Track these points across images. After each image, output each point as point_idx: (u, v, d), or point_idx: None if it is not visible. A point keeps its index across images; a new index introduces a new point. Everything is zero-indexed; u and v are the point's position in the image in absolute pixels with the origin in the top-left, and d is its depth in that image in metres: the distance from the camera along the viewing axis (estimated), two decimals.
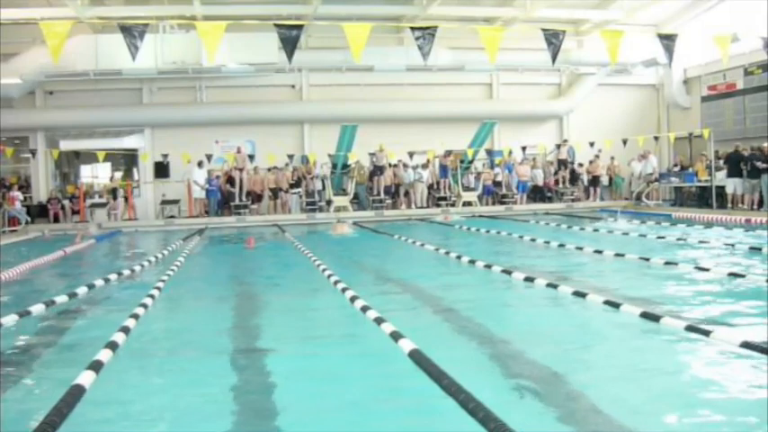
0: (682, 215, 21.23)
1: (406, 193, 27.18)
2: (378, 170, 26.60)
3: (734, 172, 21.97)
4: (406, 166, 27.23)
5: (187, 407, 4.98)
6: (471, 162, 27.62)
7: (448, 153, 27.33)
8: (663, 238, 14.97)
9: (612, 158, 28.90)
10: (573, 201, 27.54)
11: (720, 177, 23.00)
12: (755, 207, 21.12)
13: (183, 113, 27.71)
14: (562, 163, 28.66)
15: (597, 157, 28.59)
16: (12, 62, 23.99)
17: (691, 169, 25.25)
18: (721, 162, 23.45)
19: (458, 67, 28.19)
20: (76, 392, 4.76)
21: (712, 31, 18.74)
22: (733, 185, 22.07)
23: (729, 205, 22.08)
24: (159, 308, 8.65)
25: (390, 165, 27.13)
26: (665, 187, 26.68)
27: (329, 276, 10.33)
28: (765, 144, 21.82)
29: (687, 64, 28.96)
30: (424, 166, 27.41)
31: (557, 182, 28.43)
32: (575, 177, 28.54)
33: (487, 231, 18.42)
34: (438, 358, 5.24)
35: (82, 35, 23.34)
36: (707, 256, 11.87)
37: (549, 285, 9.00)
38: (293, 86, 28.77)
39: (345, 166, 26.19)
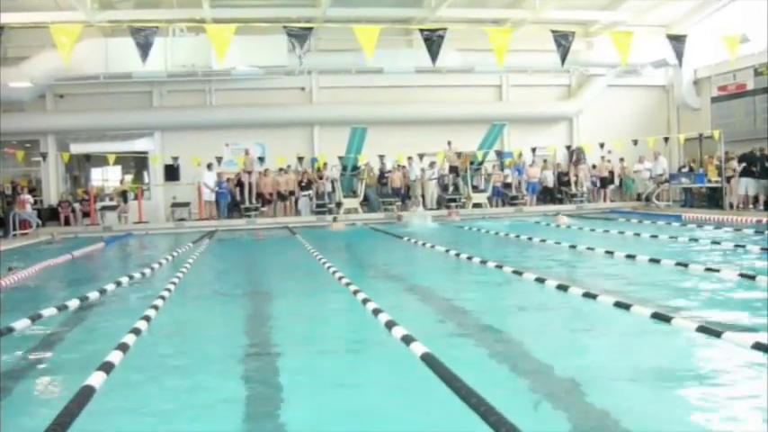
0: (692, 216, 21.14)
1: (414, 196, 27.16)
2: (385, 175, 26.81)
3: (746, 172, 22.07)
4: (410, 158, 27.15)
5: (196, 408, 4.99)
6: (481, 164, 27.56)
7: (458, 155, 27.32)
8: (674, 239, 14.91)
9: (622, 160, 28.84)
10: (582, 202, 27.48)
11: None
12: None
13: (193, 116, 27.81)
14: (574, 164, 28.65)
15: (603, 158, 28.55)
16: (22, 66, 24.08)
17: (701, 170, 25.19)
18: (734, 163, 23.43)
19: (467, 68, 28.19)
20: (87, 393, 4.77)
21: (722, 32, 18.67)
22: (745, 186, 22.07)
23: (742, 205, 22.06)
24: (170, 310, 8.65)
25: (400, 166, 27.17)
26: (675, 188, 26.57)
27: (340, 279, 10.34)
28: None
29: (697, 65, 28.82)
30: (433, 164, 27.40)
31: (568, 183, 28.35)
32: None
33: (496, 233, 18.41)
34: (449, 361, 5.24)
35: (92, 39, 23.45)
36: (717, 258, 11.83)
37: (559, 287, 8.98)
38: (303, 89, 28.84)
39: (355, 168, 26.19)
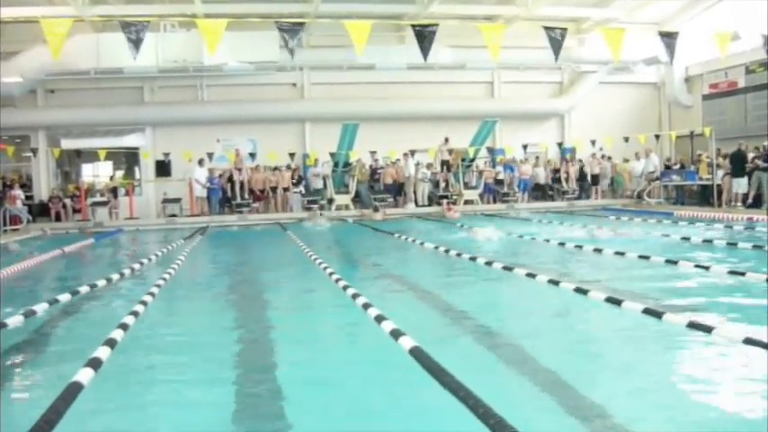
0: (683, 213, 21.19)
1: (405, 193, 27.19)
2: (377, 172, 26.88)
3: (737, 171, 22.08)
4: (406, 155, 27.20)
5: (185, 405, 4.99)
6: (473, 160, 27.57)
7: (450, 151, 27.32)
8: (667, 236, 14.92)
9: (611, 158, 28.85)
10: (574, 199, 27.51)
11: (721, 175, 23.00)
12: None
13: (185, 112, 27.74)
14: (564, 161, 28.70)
15: (594, 155, 28.57)
16: (13, 61, 24.01)
17: (692, 167, 25.25)
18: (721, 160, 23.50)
19: (459, 65, 28.22)
20: (74, 390, 4.74)
21: (713, 30, 18.70)
22: (736, 184, 22.12)
23: (734, 203, 22.09)
24: (159, 306, 8.62)
25: (393, 162, 27.23)
26: (666, 185, 26.63)
27: (330, 274, 10.33)
28: (766, 142, 21.89)
29: (688, 62, 28.97)
30: (429, 166, 27.47)
31: (559, 180, 28.39)
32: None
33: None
34: (438, 355, 5.23)
35: (83, 34, 23.38)
36: (708, 254, 11.84)
37: (550, 282, 8.98)
38: (294, 85, 28.81)
39: (347, 164, 26.19)
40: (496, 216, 23.75)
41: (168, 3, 24.21)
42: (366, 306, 7.43)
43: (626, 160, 28.84)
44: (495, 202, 27.59)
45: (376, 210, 24.54)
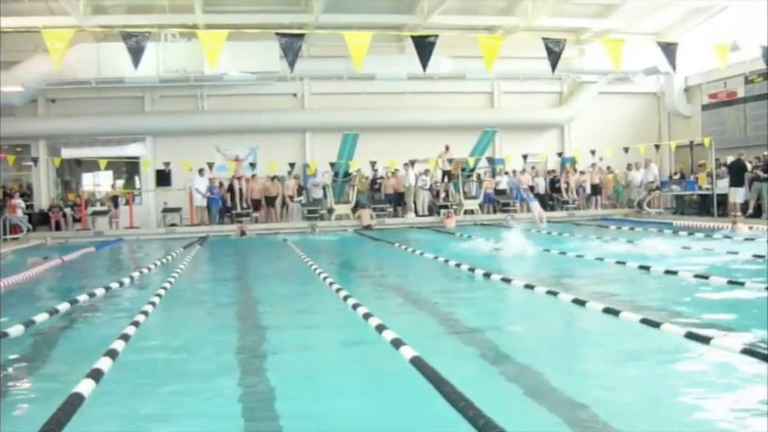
0: (683, 223, 21.19)
1: (405, 203, 27.21)
2: (377, 182, 26.92)
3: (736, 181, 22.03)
4: (406, 165, 27.21)
5: (186, 415, 4.98)
6: (473, 170, 27.60)
7: (450, 161, 27.32)
8: (665, 245, 14.91)
9: (609, 167, 28.90)
10: (574, 209, 27.51)
11: (722, 186, 22.96)
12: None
13: (185, 122, 27.77)
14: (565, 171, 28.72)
15: (594, 165, 28.60)
16: (14, 70, 24.05)
17: (692, 177, 25.27)
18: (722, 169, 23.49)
19: (459, 75, 28.26)
20: (75, 401, 4.74)
21: (713, 40, 18.73)
22: (735, 194, 22.10)
23: (733, 213, 22.07)
24: (160, 316, 8.62)
25: (393, 173, 27.26)
26: (666, 195, 26.66)
27: (331, 284, 10.33)
28: (766, 152, 21.91)
29: (688, 72, 29.00)
30: (427, 172, 27.48)
31: (558, 190, 28.38)
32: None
33: (486, 240, 18.38)
34: (438, 366, 5.23)
35: (84, 43, 23.42)
36: (707, 264, 11.84)
37: (548, 293, 8.97)
38: (295, 95, 28.85)
39: (347, 174, 26.21)
40: (495, 226, 23.74)
41: (169, 13, 24.27)
42: (367, 316, 7.43)
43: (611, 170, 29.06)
44: (495, 212, 27.59)
45: (368, 228, 24.51)
